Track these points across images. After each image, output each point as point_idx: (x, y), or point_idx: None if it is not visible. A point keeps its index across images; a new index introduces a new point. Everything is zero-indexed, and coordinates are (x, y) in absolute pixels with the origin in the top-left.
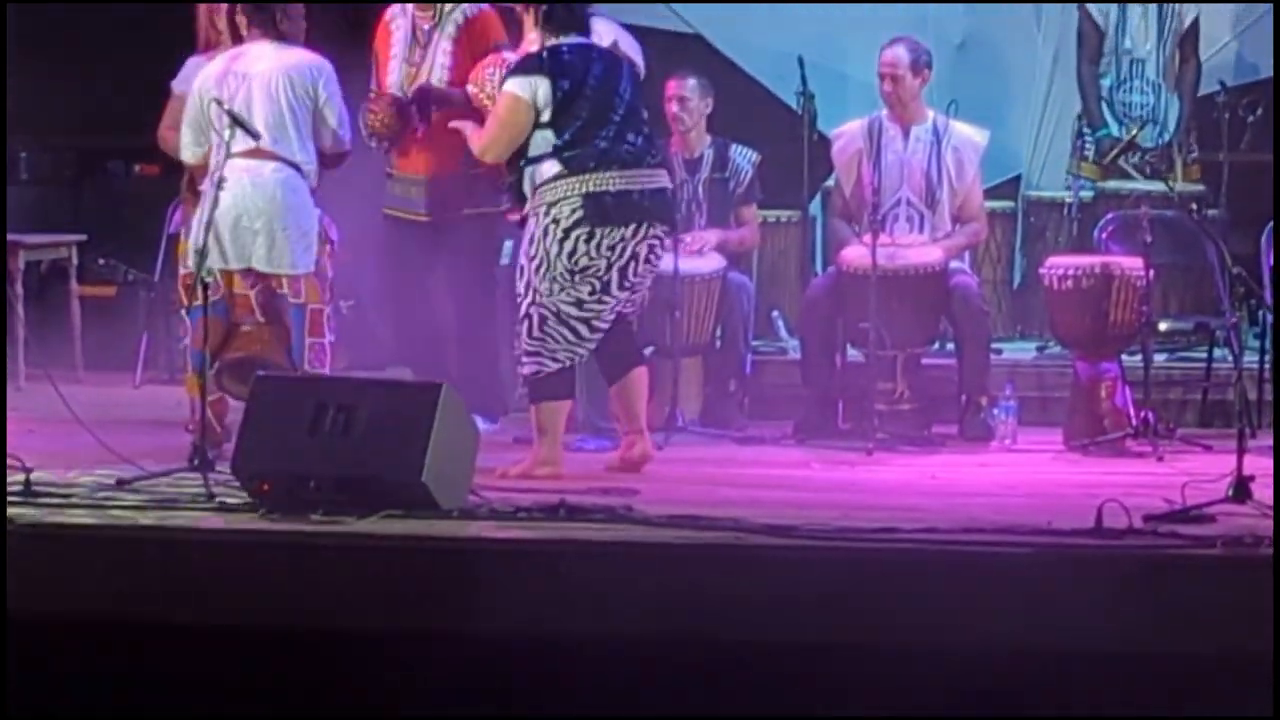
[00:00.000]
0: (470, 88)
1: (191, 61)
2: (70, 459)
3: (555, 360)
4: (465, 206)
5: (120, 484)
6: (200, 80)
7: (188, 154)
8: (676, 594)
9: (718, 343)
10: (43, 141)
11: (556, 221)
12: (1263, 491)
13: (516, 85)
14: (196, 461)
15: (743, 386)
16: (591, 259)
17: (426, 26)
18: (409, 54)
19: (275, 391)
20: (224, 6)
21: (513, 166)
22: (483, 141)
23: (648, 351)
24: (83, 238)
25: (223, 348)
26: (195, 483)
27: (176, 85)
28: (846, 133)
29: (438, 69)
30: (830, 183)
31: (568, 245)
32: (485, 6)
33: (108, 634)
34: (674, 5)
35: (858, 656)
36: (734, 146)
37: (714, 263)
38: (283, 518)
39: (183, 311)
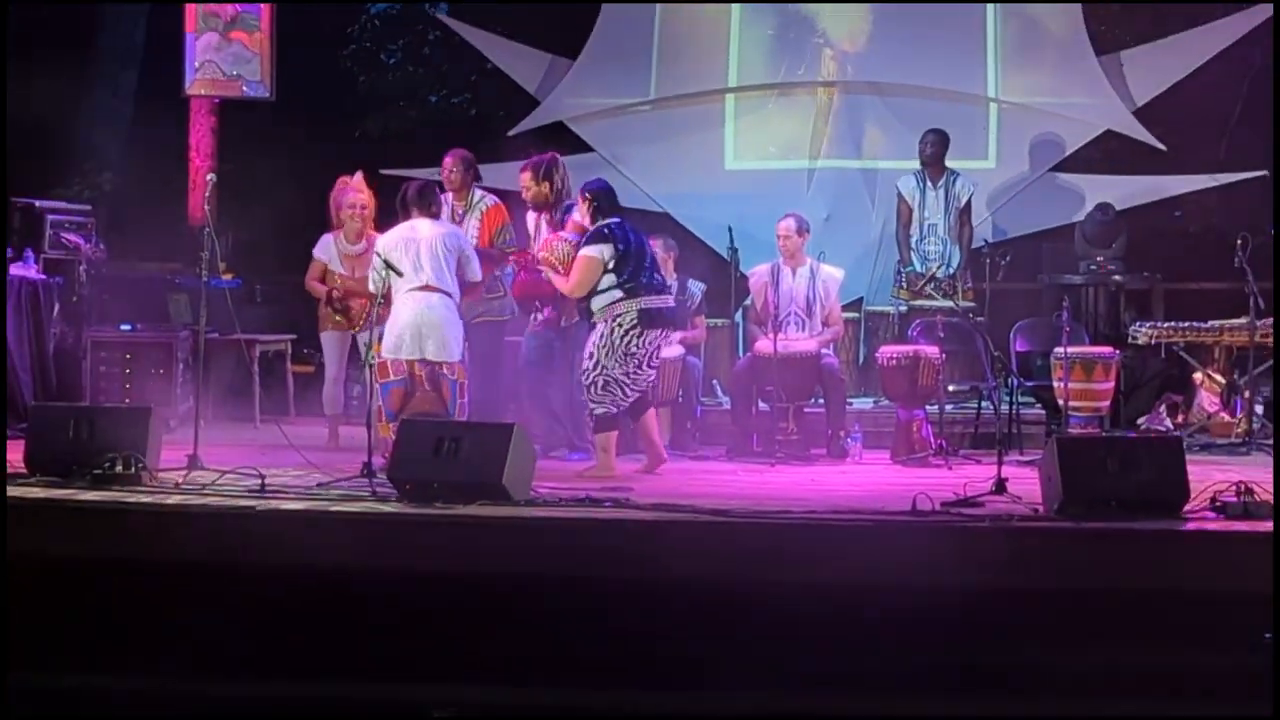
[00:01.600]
0: (543, 253)
1: (326, 237)
2: (287, 469)
3: (613, 406)
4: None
5: (320, 485)
6: (382, 243)
7: (373, 287)
8: (654, 551)
9: (680, 398)
10: (267, 278)
11: (620, 325)
12: (1014, 487)
13: (593, 250)
14: (365, 471)
15: (695, 425)
16: (638, 348)
17: (460, 210)
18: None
19: (413, 430)
20: (349, 200)
21: (585, 296)
22: (571, 285)
23: None
24: (293, 336)
25: (404, 406)
26: (365, 485)
27: (316, 252)
28: (758, 271)
29: (470, 238)
30: (747, 302)
31: (626, 339)
32: (497, 200)
33: (329, 579)
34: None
35: (768, 591)
36: (690, 280)
37: (678, 350)
38: (417, 505)
39: (379, 385)
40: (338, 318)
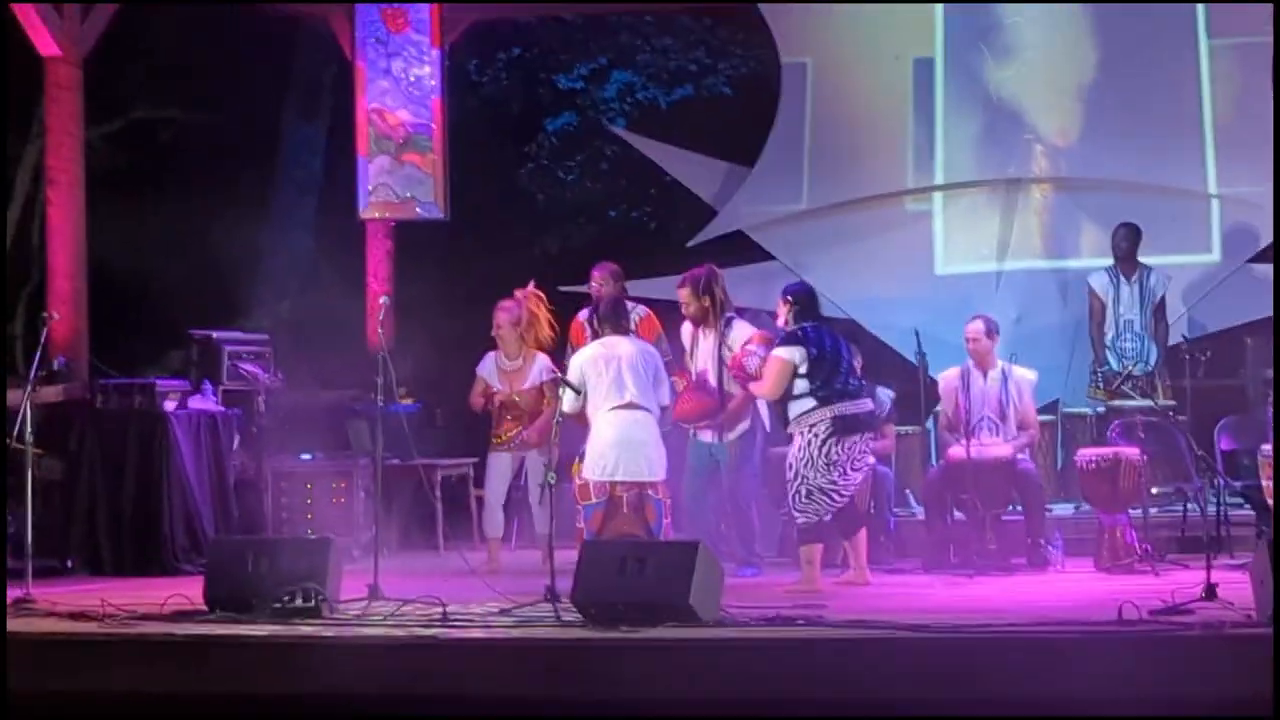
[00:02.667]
0: (734, 372)
1: (489, 356)
2: (469, 596)
3: (816, 516)
4: None
5: (502, 612)
6: (579, 360)
7: (567, 405)
8: (851, 671)
9: (871, 510)
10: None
11: (816, 435)
12: (1225, 593)
13: (785, 351)
14: (549, 596)
15: (889, 538)
16: (839, 454)
17: None
18: None
19: (597, 551)
20: (501, 317)
21: (780, 401)
22: (764, 388)
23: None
24: (475, 459)
25: (605, 527)
26: (549, 611)
27: (480, 370)
28: (947, 375)
29: None
30: (938, 408)
31: (824, 448)
32: (648, 311)
33: (516, 710)
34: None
35: (972, 711)
36: (879, 388)
37: (869, 460)
38: (603, 629)
39: (580, 506)
40: (493, 438)
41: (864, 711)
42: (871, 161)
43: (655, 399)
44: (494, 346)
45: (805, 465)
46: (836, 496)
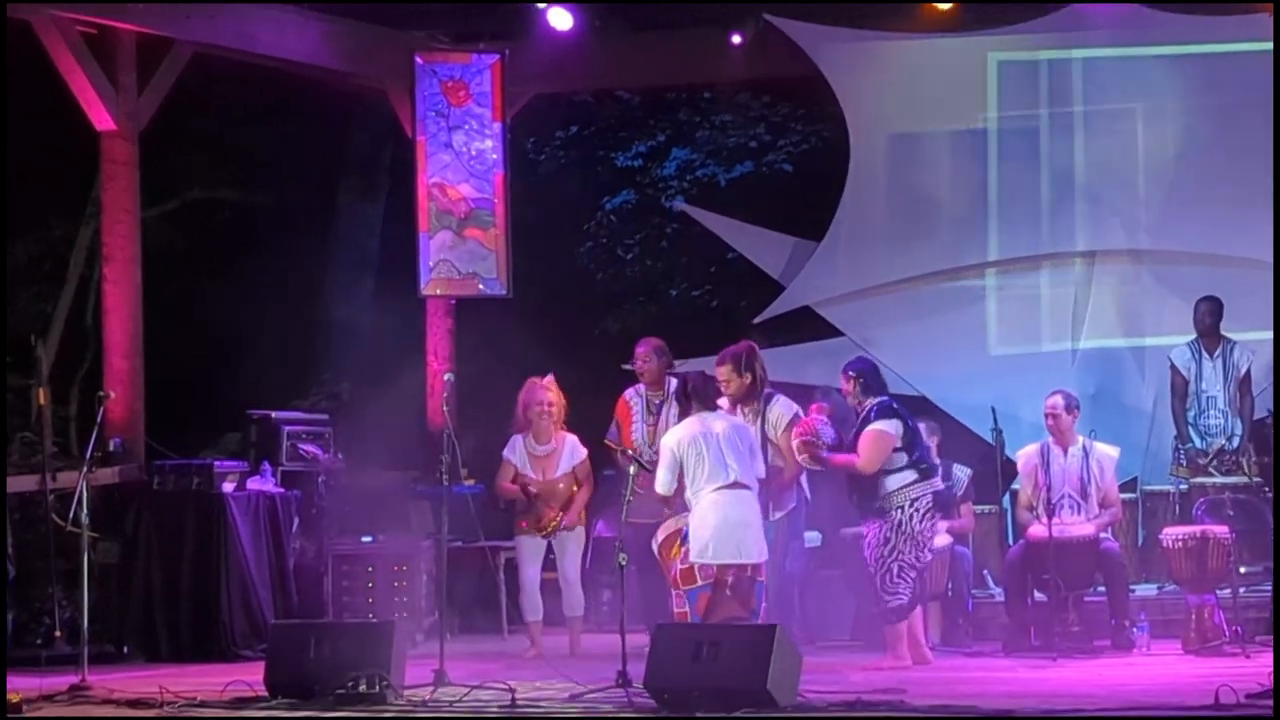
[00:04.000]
0: (806, 438)
1: (515, 438)
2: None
3: (905, 595)
4: None
5: (572, 698)
6: (675, 439)
7: (663, 488)
8: None
9: (949, 591)
10: None
11: (917, 509)
12: None
13: (886, 425)
14: (621, 681)
15: (967, 620)
16: (924, 532)
17: (657, 401)
18: (646, 419)
19: (670, 635)
20: (538, 399)
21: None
22: (864, 461)
23: None
24: None
25: (710, 612)
26: (621, 695)
27: (506, 454)
28: (1027, 452)
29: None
30: (1015, 486)
31: (924, 523)
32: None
33: None
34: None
35: None
36: (955, 465)
37: (945, 540)
38: (677, 714)
39: (683, 591)
40: (532, 527)
41: None
42: (945, 235)
43: (754, 475)
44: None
45: (904, 541)
46: (917, 575)
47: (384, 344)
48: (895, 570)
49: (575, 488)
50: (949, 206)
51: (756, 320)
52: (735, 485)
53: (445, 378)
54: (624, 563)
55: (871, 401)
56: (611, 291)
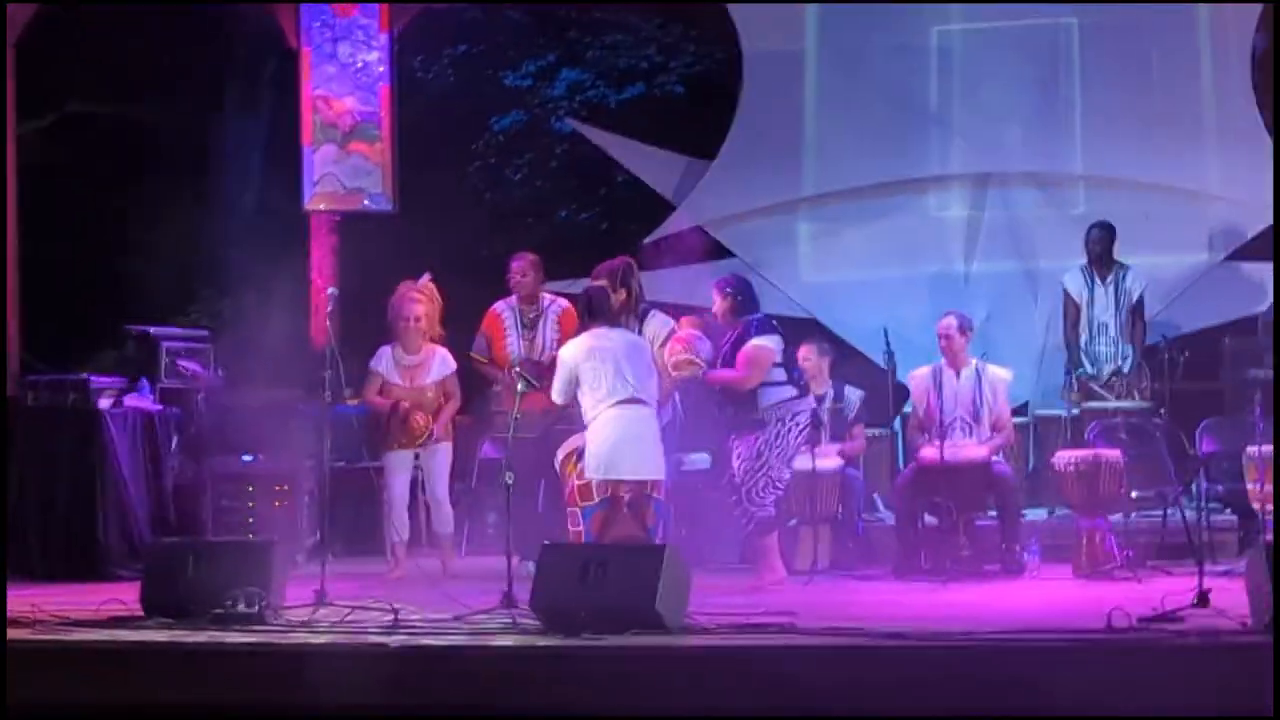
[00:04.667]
0: (684, 355)
1: (384, 348)
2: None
3: (773, 508)
4: None
5: (456, 619)
6: (571, 352)
7: (557, 397)
8: (829, 681)
9: (839, 514)
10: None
11: (797, 423)
12: (1218, 600)
13: (767, 340)
14: (506, 602)
15: (857, 543)
16: (796, 451)
17: (532, 316)
18: (521, 333)
19: (557, 555)
20: (405, 312)
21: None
22: (744, 377)
23: (793, 522)
24: None
25: (605, 530)
26: (506, 616)
27: (373, 365)
28: (919, 374)
29: (549, 343)
30: (907, 409)
31: (797, 439)
32: (568, 303)
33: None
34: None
35: (957, 713)
36: (847, 387)
37: (836, 463)
38: (563, 637)
39: (578, 509)
40: (401, 437)
41: None
42: (836, 157)
43: (652, 392)
44: (453, 347)
45: (776, 456)
46: (781, 492)
47: (266, 261)
48: (762, 484)
49: (443, 400)
50: (840, 128)
51: (647, 240)
52: (632, 401)
53: (328, 293)
54: (510, 481)
55: (747, 318)
56: (500, 212)
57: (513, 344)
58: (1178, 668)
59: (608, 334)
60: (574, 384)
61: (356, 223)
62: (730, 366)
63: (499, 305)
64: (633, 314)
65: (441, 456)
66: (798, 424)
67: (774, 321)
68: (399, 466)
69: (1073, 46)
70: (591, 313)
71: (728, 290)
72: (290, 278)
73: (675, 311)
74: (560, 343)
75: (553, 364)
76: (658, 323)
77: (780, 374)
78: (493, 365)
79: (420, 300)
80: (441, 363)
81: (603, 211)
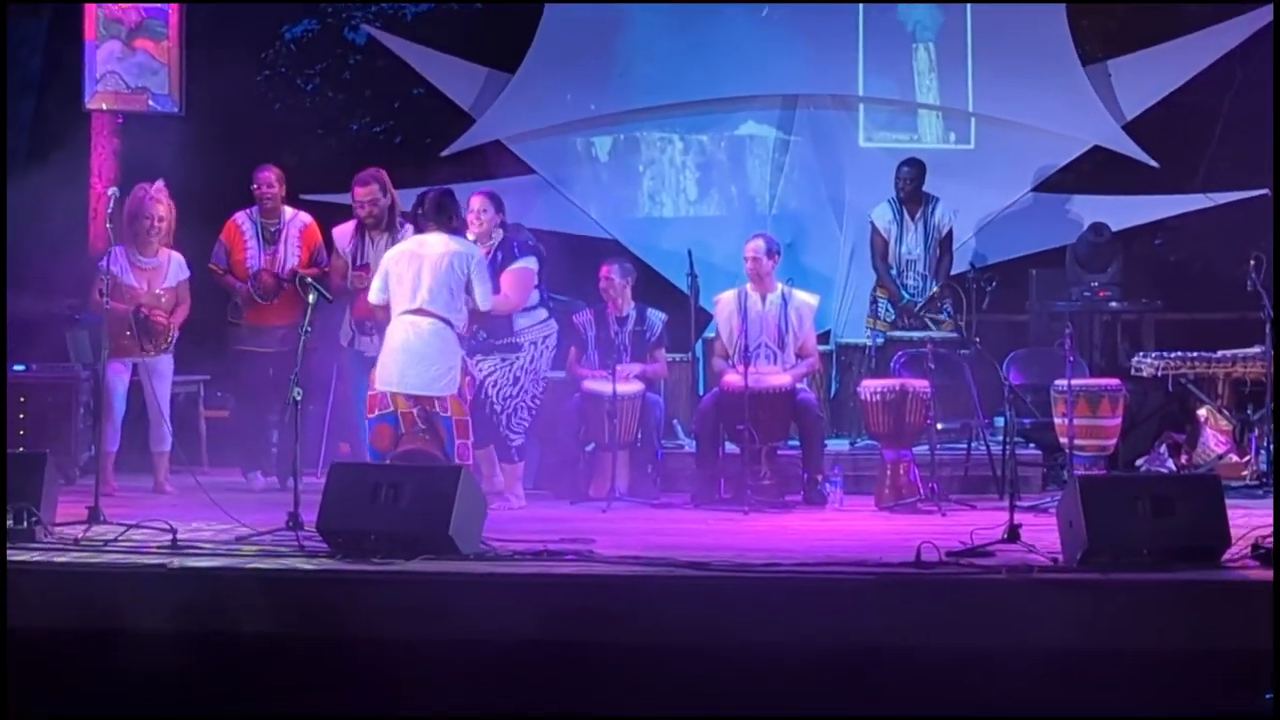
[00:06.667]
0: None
1: (116, 248)
2: (201, 522)
3: (524, 436)
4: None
5: (239, 539)
6: (393, 254)
7: (375, 297)
8: (626, 610)
9: (639, 440)
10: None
11: (548, 346)
12: (1027, 534)
13: (530, 263)
14: (291, 523)
15: (656, 470)
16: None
17: (273, 228)
18: (264, 247)
19: (346, 474)
20: (149, 212)
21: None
22: (515, 303)
23: (590, 447)
24: (206, 377)
25: (392, 447)
26: (291, 538)
27: (104, 265)
28: (724, 298)
29: (291, 256)
30: (710, 333)
31: (546, 362)
32: (311, 218)
33: (249, 645)
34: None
35: (756, 654)
36: (649, 309)
37: (636, 386)
38: (352, 561)
39: (367, 419)
40: (143, 341)
41: (636, 655)
42: (643, 73)
43: (457, 307)
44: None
45: (531, 380)
46: (531, 419)
47: (45, 165)
48: (521, 410)
49: (175, 305)
50: (647, 42)
51: (445, 153)
52: (420, 312)
53: (109, 193)
54: (298, 397)
55: (506, 238)
56: (289, 122)
57: (253, 255)
58: (988, 603)
59: (430, 240)
60: (385, 284)
61: (141, 126)
62: None
63: (239, 216)
64: (392, 225)
65: (165, 365)
66: (548, 346)
67: (533, 241)
68: (123, 375)
69: None
70: (425, 214)
71: (491, 202)
72: (70, 183)
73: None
74: (300, 258)
75: (290, 277)
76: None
77: (536, 296)
78: (230, 275)
79: (162, 202)
80: (179, 267)
81: (396, 125)
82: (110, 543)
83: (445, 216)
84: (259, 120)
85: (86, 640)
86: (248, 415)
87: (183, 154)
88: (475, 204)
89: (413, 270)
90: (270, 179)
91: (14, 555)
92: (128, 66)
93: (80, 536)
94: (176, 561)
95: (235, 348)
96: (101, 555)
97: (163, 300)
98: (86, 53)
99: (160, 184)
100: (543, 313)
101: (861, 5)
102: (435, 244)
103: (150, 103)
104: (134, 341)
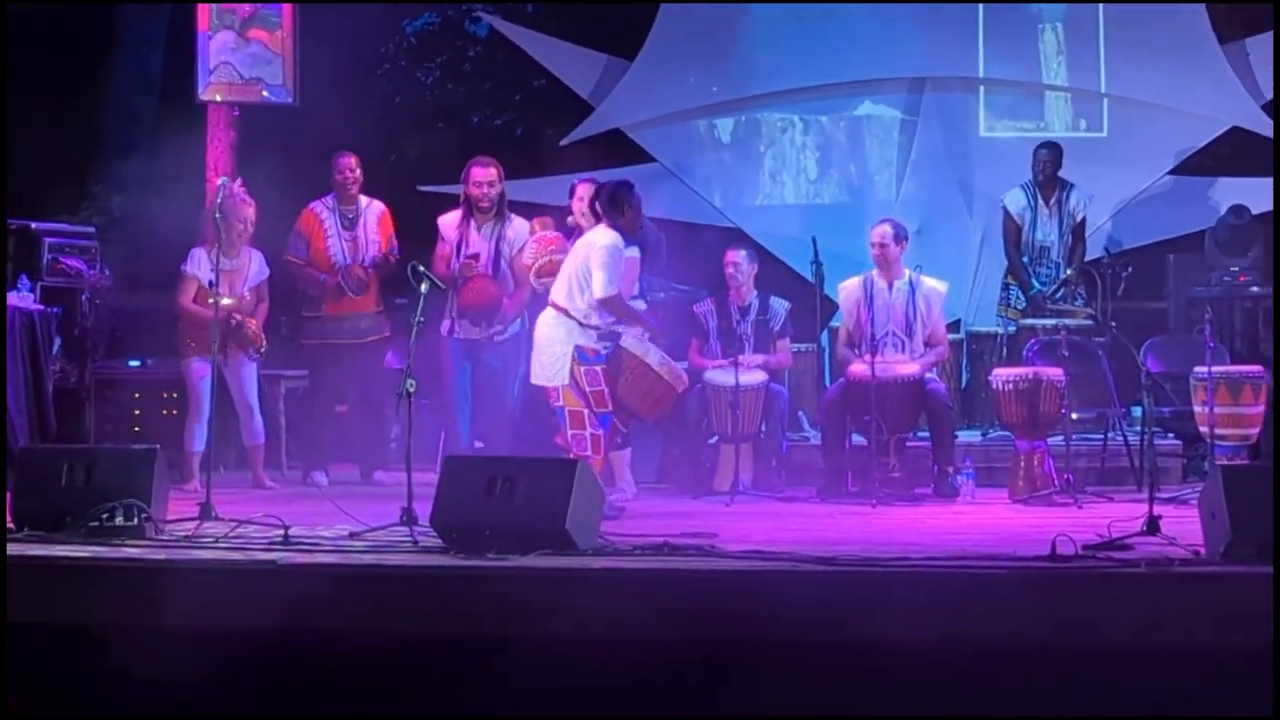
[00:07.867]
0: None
1: (197, 250)
2: (316, 519)
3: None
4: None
5: (352, 536)
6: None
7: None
8: (751, 606)
9: (763, 432)
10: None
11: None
12: (1167, 527)
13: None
14: (405, 519)
15: (781, 463)
16: None
17: (351, 215)
18: (343, 234)
19: (460, 468)
20: (241, 215)
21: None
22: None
23: (713, 439)
24: None
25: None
26: (406, 535)
27: (189, 268)
28: (849, 285)
29: (371, 244)
30: (835, 323)
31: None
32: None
33: (363, 644)
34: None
35: (881, 651)
36: (772, 297)
37: (760, 377)
38: (467, 557)
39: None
40: (245, 348)
41: (763, 651)
42: (763, 58)
43: (576, 296)
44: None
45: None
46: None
47: (163, 158)
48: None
49: (256, 305)
50: (768, 28)
51: (564, 142)
52: (551, 304)
53: (219, 182)
54: (412, 390)
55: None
56: (409, 116)
57: (334, 243)
58: (1126, 598)
59: (590, 233)
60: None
61: (259, 120)
62: None
63: (316, 205)
64: (501, 215)
65: (251, 364)
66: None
67: (651, 229)
68: (204, 375)
69: None
70: (600, 209)
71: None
72: (187, 177)
73: (527, 214)
74: (382, 244)
75: (375, 265)
76: (521, 226)
77: (636, 287)
78: (311, 267)
79: (249, 202)
80: (260, 267)
81: (517, 116)
82: (221, 540)
83: (616, 209)
84: (377, 113)
85: (194, 636)
86: (322, 410)
87: (305, 149)
88: (580, 191)
89: (567, 263)
90: (353, 163)
91: (122, 552)
92: (241, 57)
93: (190, 534)
94: (285, 558)
95: (312, 341)
96: (212, 553)
97: (246, 302)
98: (200, 43)
99: (240, 182)
100: (641, 304)
101: None
102: (588, 236)
103: (264, 93)
104: (241, 348)
